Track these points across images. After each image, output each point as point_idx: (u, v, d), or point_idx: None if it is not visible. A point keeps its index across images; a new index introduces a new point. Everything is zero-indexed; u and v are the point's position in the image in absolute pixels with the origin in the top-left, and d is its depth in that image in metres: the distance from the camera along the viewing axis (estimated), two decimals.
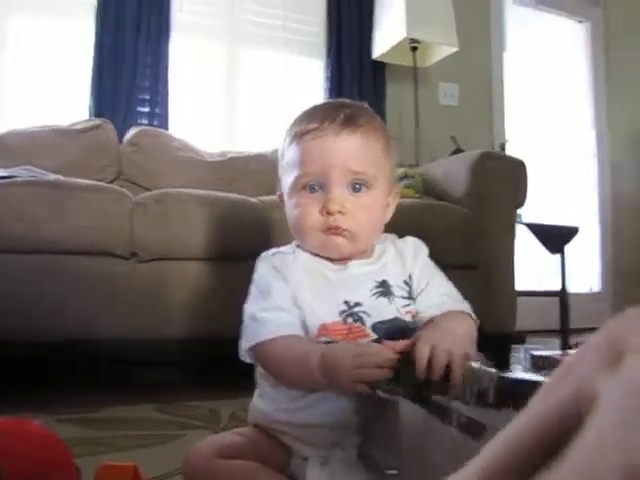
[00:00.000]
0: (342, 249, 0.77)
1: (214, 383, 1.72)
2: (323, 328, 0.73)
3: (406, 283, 0.79)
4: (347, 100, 0.84)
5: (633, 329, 0.24)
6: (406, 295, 0.78)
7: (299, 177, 0.76)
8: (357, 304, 0.74)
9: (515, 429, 0.25)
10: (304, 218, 0.77)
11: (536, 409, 0.25)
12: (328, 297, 0.75)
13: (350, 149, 0.75)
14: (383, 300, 0.76)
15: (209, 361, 1.80)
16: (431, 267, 0.83)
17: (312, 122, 0.76)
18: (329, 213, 0.74)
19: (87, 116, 2.42)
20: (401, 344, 0.66)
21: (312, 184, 0.76)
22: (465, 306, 0.79)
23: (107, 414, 1.36)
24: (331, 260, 0.79)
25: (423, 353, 0.62)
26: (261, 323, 0.74)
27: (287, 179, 0.79)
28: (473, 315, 0.79)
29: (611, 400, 0.22)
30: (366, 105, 0.85)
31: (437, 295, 0.79)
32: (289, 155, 0.79)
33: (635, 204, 3.85)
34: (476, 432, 0.52)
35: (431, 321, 0.74)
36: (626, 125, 3.90)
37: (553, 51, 3.84)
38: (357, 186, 0.76)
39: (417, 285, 0.79)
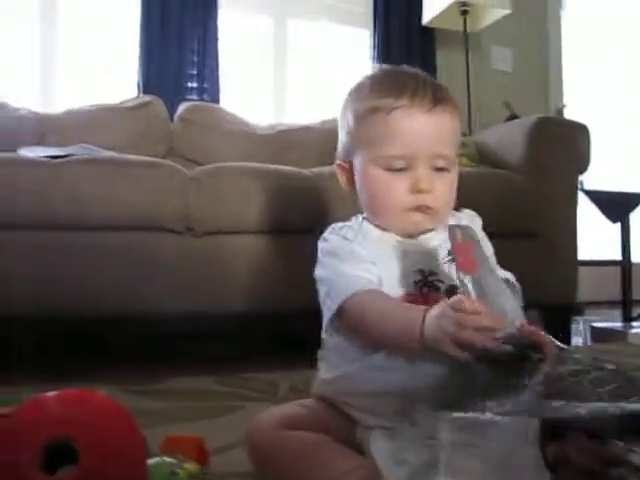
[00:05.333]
0: (420, 226, 0.77)
1: (271, 357, 1.73)
2: (401, 298, 0.72)
3: None
4: (410, 68, 0.81)
5: None
6: None
7: (385, 156, 0.75)
8: (432, 273, 0.73)
9: None
10: (389, 196, 0.76)
11: None
12: (401, 268, 0.74)
13: (440, 131, 0.75)
14: (453, 267, 0.74)
15: (265, 335, 1.81)
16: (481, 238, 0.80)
17: (402, 97, 0.74)
18: (420, 192, 0.74)
19: (135, 93, 2.44)
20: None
21: (397, 163, 0.75)
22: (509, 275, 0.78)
23: (167, 386, 1.39)
24: (399, 234, 0.78)
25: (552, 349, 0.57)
26: (352, 278, 0.72)
27: (364, 152, 0.78)
28: (516, 284, 0.78)
29: None
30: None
31: None
32: (369, 128, 0.76)
33: None
34: None
35: None
36: None
37: (615, 7, 3.64)
38: (441, 167, 0.76)
39: None
